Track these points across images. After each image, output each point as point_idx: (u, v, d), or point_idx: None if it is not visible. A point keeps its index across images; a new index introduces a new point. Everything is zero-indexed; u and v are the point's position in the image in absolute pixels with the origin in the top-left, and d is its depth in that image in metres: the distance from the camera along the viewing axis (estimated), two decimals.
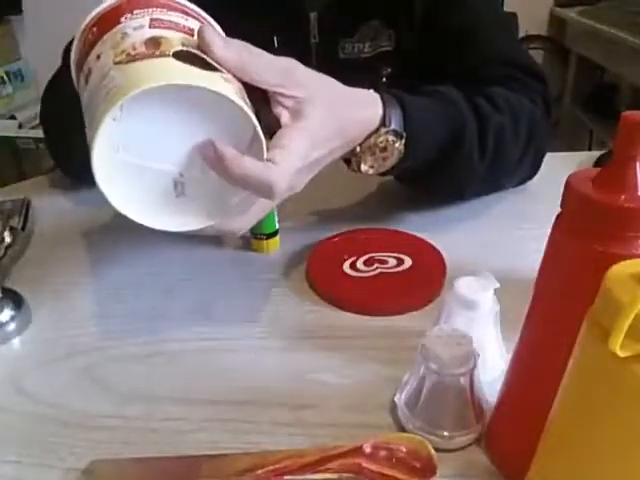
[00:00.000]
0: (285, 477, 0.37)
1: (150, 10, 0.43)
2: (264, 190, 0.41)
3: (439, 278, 0.56)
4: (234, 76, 0.41)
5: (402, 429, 0.41)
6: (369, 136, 0.52)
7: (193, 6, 0.47)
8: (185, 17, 0.44)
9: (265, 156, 0.41)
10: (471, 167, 0.62)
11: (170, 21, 0.43)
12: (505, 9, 0.76)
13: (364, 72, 0.73)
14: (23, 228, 0.65)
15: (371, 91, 0.53)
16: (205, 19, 0.47)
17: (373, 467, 0.37)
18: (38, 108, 0.74)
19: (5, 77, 2.25)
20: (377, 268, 0.58)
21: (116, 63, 0.39)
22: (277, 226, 0.62)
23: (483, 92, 0.63)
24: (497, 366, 0.44)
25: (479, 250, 0.60)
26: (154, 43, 0.39)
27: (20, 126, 2.08)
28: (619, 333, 0.23)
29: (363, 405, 0.44)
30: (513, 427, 0.38)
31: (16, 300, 0.53)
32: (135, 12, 0.43)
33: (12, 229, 0.63)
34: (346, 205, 0.71)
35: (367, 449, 0.38)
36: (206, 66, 0.40)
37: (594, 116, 2.31)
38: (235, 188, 0.42)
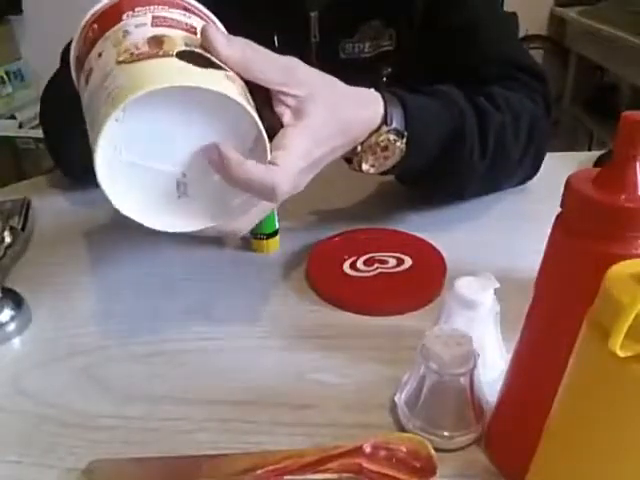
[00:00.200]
0: (285, 477, 0.37)
1: (152, 7, 0.43)
2: (267, 193, 0.42)
3: (439, 278, 0.56)
4: (237, 74, 0.41)
5: (402, 429, 0.41)
6: (370, 135, 0.52)
7: (194, 2, 0.47)
8: (187, 14, 0.44)
9: (268, 154, 0.41)
10: (471, 166, 0.62)
11: (172, 19, 0.42)
12: (505, 9, 0.76)
13: (365, 72, 0.73)
14: (23, 228, 0.65)
15: (372, 90, 0.53)
16: (207, 16, 0.47)
17: (373, 467, 0.37)
18: (38, 108, 0.74)
19: (5, 77, 2.25)
20: (377, 268, 0.58)
21: (119, 63, 0.39)
22: (277, 226, 0.62)
23: (484, 92, 0.63)
24: (497, 366, 0.44)
25: (479, 250, 0.60)
26: (157, 42, 0.39)
27: (20, 126, 2.08)
28: (619, 333, 0.23)
29: (363, 405, 0.44)
30: (513, 427, 0.38)
31: (16, 300, 0.53)
32: (136, 9, 0.42)
33: (12, 229, 0.63)
34: (346, 205, 0.71)
35: (367, 449, 0.38)
36: (209, 65, 0.40)
37: (594, 116, 2.31)
38: (237, 189, 0.42)
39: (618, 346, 0.23)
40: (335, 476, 0.38)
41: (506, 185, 0.70)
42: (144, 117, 0.38)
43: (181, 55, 0.39)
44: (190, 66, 0.39)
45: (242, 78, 0.42)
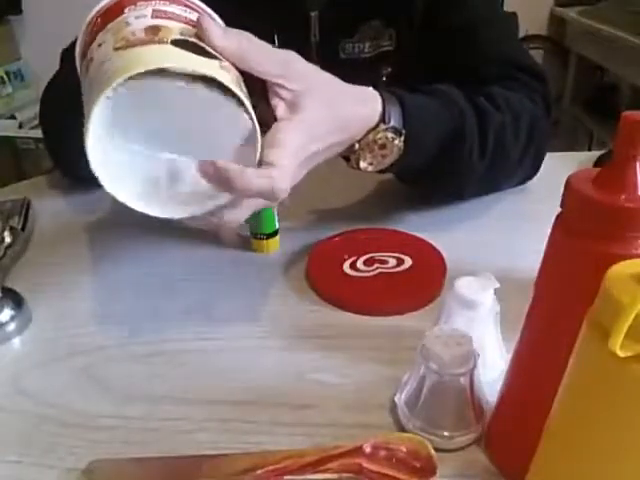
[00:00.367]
0: (285, 477, 0.37)
1: (153, 2, 0.43)
2: (267, 197, 0.42)
3: (439, 278, 0.56)
4: (233, 65, 0.42)
5: (402, 429, 0.41)
6: (368, 133, 0.52)
7: (198, 2, 0.47)
8: (187, 10, 0.45)
9: (259, 146, 0.41)
10: (471, 166, 0.62)
11: (172, 12, 0.43)
12: (505, 9, 0.76)
13: (365, 72, 0.72)
14: (23, 228, 0.65)
15: (370, 88, 0.53)
16: (208, 13, 0.47)
17: (373, 467, 0.37)
18: (38, 108, 0.74)
19: (5, 77, 2.25)
20: (377, 268, 0.58)
21: (115, 49, 0.39)
22: (277, 226, 0.62)
23: (483, 92, 0.63)
24: (497, 366, 0.44)
25: (479, 250, 0.60)
26: (153, 31, 0.40)
27: (20, 126, 2.08)
28: (619, 333, 0.23)
29: (363, 405, 0.44)
30: (513, 427, 0.38)
31: (16, 300, 0.54)
32: (139, 4, 0.43)
33: (12, 229, 0.63)
34: (346, 205, 0.71)
35: (367, 449, 0.38)
36: (204, 54, 0.40)
37: (594, 116, 2.31)
38: None
39: (618, 346, 0.23)
40: (335, 476, 0.38)
41: (506, 185, 0.70)
42: (137, 103, 0.38)
43: (176, 43, 0.39)
44: (184, 52, 0.39)
45: (239, 71, 0.42)
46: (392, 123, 0.53)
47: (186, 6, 0.45)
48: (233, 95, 0.39)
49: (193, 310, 0.54)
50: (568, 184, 0.31)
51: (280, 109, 0.44)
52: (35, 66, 2.32)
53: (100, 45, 0.42)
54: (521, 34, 0.85)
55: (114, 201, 0.41)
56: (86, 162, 0.39)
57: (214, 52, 0.41)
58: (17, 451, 0.41)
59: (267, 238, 0.62)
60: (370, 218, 0.66)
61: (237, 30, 0.43)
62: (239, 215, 0.47)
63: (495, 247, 0.61)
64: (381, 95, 0.53)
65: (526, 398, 0.37)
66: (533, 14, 2.35)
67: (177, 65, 0.38)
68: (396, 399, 0.42)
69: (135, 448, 0.41)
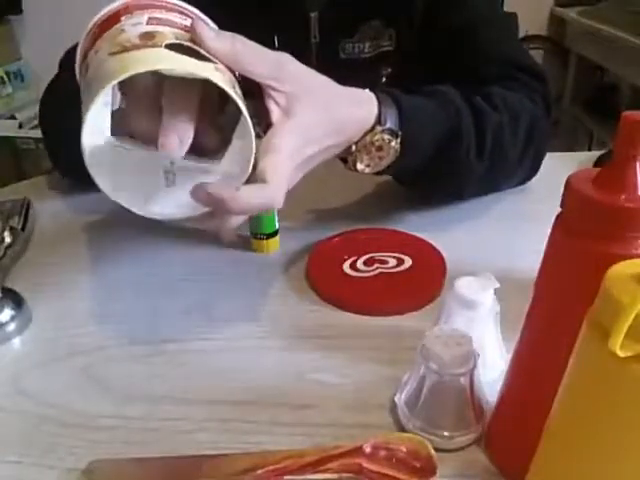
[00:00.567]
0: (285, 477, 0.37)
1: (149, 10, 0.44)
2: (265, 208, 0.43)
3: (439, 278, 0.56)
4: (228, 68, 0.42)
5: (402, 429, 0.41)
6: (364, 135, 0.52)
7: (193, 9, 0.47)
8: (182, 17, 0.45)
9: (254, 146, 0.41)
10: (469, 167, 0.62)
11: (167, 19, 0.43)
12: (505, 9, 0.76)
13: (364, 72, 0.73)
14: (23, 228, 0.65)
15: (366, 90, 0.53)
16: (202, 18, 0.48)
17: (373, 467, 0.37)
18: (38, 108, 0.74)
19: (5, 77, 2.25)
20: (377, 268, 0.58)
21: (111, 54, 0.40)
22: (277, 226, 0.62)
23: (482, 92, 0.63)
24: (497, 366, 0.44)
25: (479, 250, 0.60)
26: (148, 36, 0.40)
27: (20, 126, 2.08)
28: (619, 333, 0.23)
29: (363, 405, 0.44)
30: (513, 427, 0.38)
31: (16, 300, 0.53)
32: (135, 12, 0.43)
33: (12, 229, 0.63)
34: (346, 205, 0.71)
35: (367, 449, 0.38)
36: (199, 57, 0.40)
37: (594, 116, 2.31)
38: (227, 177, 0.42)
39: (618, 346, 0.23)
40: (335, 476, 0.38)
41: (505, 185, 0.70)
42: None
43: (170, 47, 0.39)
44: (178, 55, 0.39)
45: (234, 74, 0.42)
46: (388, 125, 0.53)
47: (181, 13, 0.46)
48: (226, 94, 0.39)
49: (193, 310, 0.54)
50: (568, 184, 0.31)
51: (275, 113, 0.44)
52: (35, 66, 2.32)
53: (97, 52, 0.42)
54: (521, 34, 0.85)
55: (114, 201, 0.42)
56: (84, 164, 0.39)
57: (208, 55, 0.41)
58: (17, 451, 0.41)
59: (267, 238, 0.62)
60: (370, 218, 0.66)
61: (230, 33, 0.43)
62: (239, 218, 0.47)
63: (495, 247, 0.61)
64: (377, 97, 0.53)
65: (526, 398, 0.37)
66: (533, 14, 2.35)
67: (171, 67, 0.38)
68: (396, 399, 0.42)
69: (135, 448, 0.41)
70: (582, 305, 0.27)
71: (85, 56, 0.44)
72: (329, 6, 0.71)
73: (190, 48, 0.41)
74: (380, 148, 0.53)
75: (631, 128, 0.29)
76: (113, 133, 0.40)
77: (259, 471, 0.37)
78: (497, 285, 0.43)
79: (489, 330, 0.44)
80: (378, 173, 0.57)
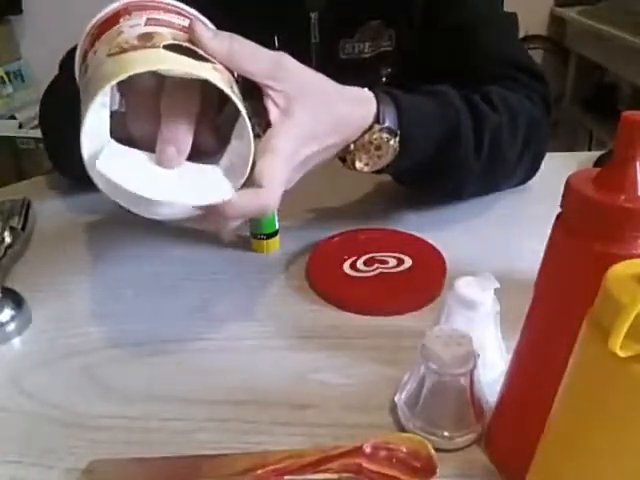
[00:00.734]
0: (285, 477, 0.37)
1: (147, 12, 0.44)
2: (259, 214, 0.44)
3: (439, 278, 0.56)
4: (226, 68, 0.42)
5: (402, 429, 0.41)
6: (363, 134, 0.52)
7: (192, 10, 0.47)
8: (181, 17, 0.45)
9: (252, 146, 0.41)
10: (467, 166, 0.62)
11: (165, 20, 0.43)
12: (505, 9, 0.76)
13: (364, 72, 0.73)
14: (23, 228, 0.65)
15: (365, 89, 0.53)
16: (200, 19, 0.48)
17: (373, 467, 0.37)
18: (38, 108, 0.74)
19: (5, 77, 2.25)
20: (377, 268, 0.58)
21: (109, 55, 0.40)
22: (277, 226, 0.62)
23: (481, 91, 0.63)
24: (497, 366, 0.44)
25: (479, 250, 0.60)
26: (146, 37, 0.40)
27: (20, 126, 2.08)
28: (619, 333, 0.23)
29: (363, 405, 0.44)
30: (513, 427, 0.38)
31: (16, 300, 0.53)
32: (134, 14, 0.43)
33: (12, 229, 0.63)
34: (346, 205, 0.71)
35: (367, 449, 0.38)
36: (197, 57, 0.40)
37: (594, 116, 2.31)
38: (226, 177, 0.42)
39: (618, 346, 0.23)
40: (335, 476, 0.38)
41: (505, 185, 0.70)
42: None
43: (168, 47, 0.39)
44: (176, 55, 0.39)
45: (233, 75, 0.42)
46: (387, 124, 0.53)
47: (179, 14, 0.46)
48: (224, 94, 0.39)
49: (193, 310, 0.54)
50: (568, 184, 0.31)
51: (273, 113, 0.44)
52: (35, 66, 2.33)
53: (95, 53, 0.42)
54: (521, 34, 0.85)
55: (114, 201, 0.41)
56: (83, 165, 0.39)
57: (206, 55, 0.41)
58: (17, 451, 0.41)
59: (267, 238, 0.62)
60: (370, 218, 0.66)
61: (228, 33, 0.43)
62: (236, 221, 0.47)
63: (495, 247, 0.61)
64: (375, 96, 0.53)
65: (526, 398, 0.37)
66: (533, 14, 2.35)
67: (170, 67, 0.38)
68: (396, 399, 0.42)
69: (135, 448, 0.41)
70: (582, 305, 0.27)
71: (84, 57, 0.44)
72: (329, 6, 0.71)
73: (188, 49, 0.41)
74: (379, 147, 0.53)
75: (631, 128, 0.29)
76: (112, 134, 0.40)
77: (259, 471, 0.37)
78: (497, 285, 0.43)
79: (489, 330, 0.44)
80: (377, 172, 0.57)
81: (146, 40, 0.40)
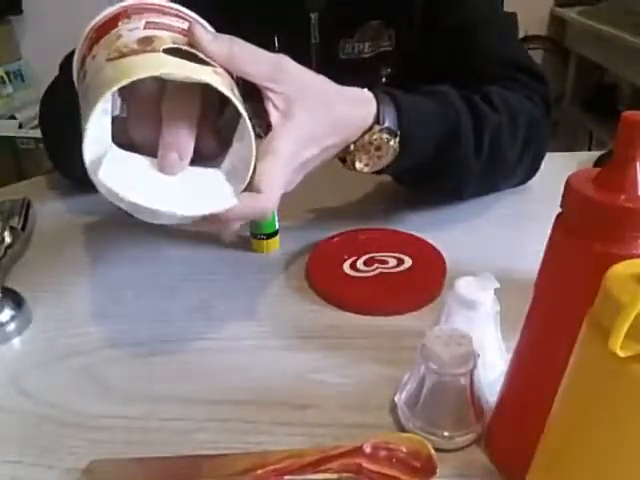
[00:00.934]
0: (285, 477, 0.37)
1: (146, 15, 0.43)
2: (257, 218, 0.45)
3: (439, 278, 0.56)
4: (226, 71, 0.42)
5: (402, 429, 0.41)
6: (363, 134, 0.52)
7: (191, 13, 0.47)
8: (180, 20, 0.45)
9: (254, 149, 0.41)
10: (467, 167, 0.62)
11: (165, 23, 0.43)
12: (505, 9, 0.76)
13: (364, 72, 0.73)
14: (23, 228, 0.65)
15: (365, 89, 0.53)
16: (199, 22, 0.47)
17: (373, 467, 0.37)
18: (38, 108, 0.74)
19: (5, 77, 2.25)
20: (377, 268, 0.58)
21: (108, 60, 0.40)
22: (277, 226, 0.62)
23: (481, 92, 0.63)
24: (497, 366, 0.44)
25: (479, 250, 0.60)
26: (146, 41, 0.40)
27: (20, 126, 2.08)
28: (619, 333, 0.23)
29: (363, 405, 0.44)
30: (513, 427, 0.38)
31: (16, 300, 0.53)
32: (132, 17, 0.43)
33: (12, 229, 0.63)
34: (346, 205, 0.71)
35: (367, 449, 0.38)
36: (197, 61, 0.40)
37: (594, 116, 2.31)
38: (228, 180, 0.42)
39: (618, 346, 0.23)
40: (335, 476, 0.38)
41: (505, 186, 0.70)
42: None
43: (168, 51, 0.39)
44: (177, 59, 0.39)
45: (233, 78, 0.42)
46: (387, 124, 0.53)
47: (178, 17, 0.45)
48: (225, 97, 0.39)
49: (193, 310, 0.54)
50: (568, 184, 0.31)
51: (274, 115, 0.44)
52: (35, 66, 2.33)
53: (94, 57, 0.42)
54: (521, 34, 0.85)
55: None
56: (84, 166, 0.39)
57: (206, 59, 0.41)
58: (17, 451, 0.41)
59: (267, 238, 0.62)
60: (370, 218, 0.66)
61: (228, 36, 0.43)
62: (235, 224, 0.47)
63: (495, 247, 0.61)
64: (375, 96, 0.53)
65: (526, 398, 0.37)
66: (533, 14, 2.35)
67: (171, 72, 0.38)
68: (396, 399, 0.42)
69: (135, 448, 0.41)
70: (582, 305, 0.27)
71: (82, 62, 0.44)
72: (329, 6, 0.71)
73: (188, 52, 0.40)
74: (379, 147, 0.53)
75: (631, 128, 0.29)
76: (114, 139, 0.40)
77: (259, 471, 0.37)
78: (497, 285, 0.43)
79: (489, 330, 0.44)
80: (377, 172, 0.57)
81: (146, 44, 0.39)
